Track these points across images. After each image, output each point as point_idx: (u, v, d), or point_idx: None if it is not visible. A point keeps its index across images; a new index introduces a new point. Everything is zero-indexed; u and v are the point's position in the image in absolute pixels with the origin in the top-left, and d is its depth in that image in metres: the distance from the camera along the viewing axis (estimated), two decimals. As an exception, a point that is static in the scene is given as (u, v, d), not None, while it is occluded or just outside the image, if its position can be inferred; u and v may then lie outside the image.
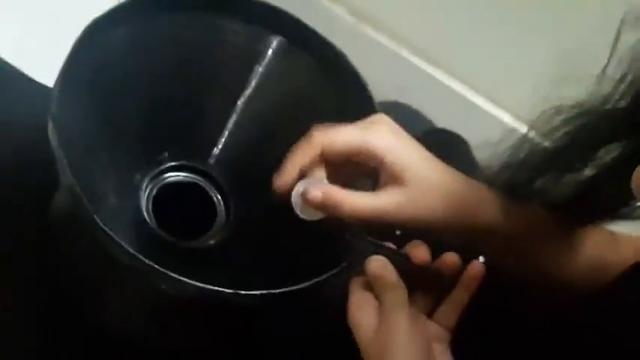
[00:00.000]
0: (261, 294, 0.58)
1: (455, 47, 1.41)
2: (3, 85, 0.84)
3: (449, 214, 0.62)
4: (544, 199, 0.63)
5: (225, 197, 0.76)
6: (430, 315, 0.63)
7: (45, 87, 0.82)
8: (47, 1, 1.06)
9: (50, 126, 0.59)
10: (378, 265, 0.59)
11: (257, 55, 0.74)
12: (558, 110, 0.59)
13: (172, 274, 0.56)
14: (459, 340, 0.62)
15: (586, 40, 0.58)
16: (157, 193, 0.74)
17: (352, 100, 0.72)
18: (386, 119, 0.64)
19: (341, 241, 0.63)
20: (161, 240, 0.72)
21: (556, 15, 1.22)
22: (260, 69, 0.74)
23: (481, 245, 0.66)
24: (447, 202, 0.62)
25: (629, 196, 0.56)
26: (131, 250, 0.56)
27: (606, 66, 0.56)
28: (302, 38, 0.73)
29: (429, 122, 1.15)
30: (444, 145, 1.03)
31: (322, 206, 0.61)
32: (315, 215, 0.62)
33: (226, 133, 0.76)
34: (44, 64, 0.74)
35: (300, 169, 0.63)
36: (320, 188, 0.61)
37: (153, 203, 0.73)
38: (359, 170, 0.65)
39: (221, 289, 0.57)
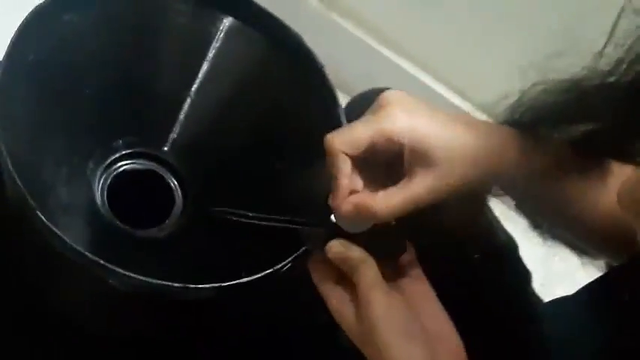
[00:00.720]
0: (212, 287, 0.57)
1: (423, 38, 1.41)
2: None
3: (478, 172, 0.61)
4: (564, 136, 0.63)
5: (183, 184, 0.75)
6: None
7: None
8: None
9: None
10: (338, 249, 0.59)
11: (209, 37, 0.72)
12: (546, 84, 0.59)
13: (117, 269, 0.54)
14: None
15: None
16: (111, 182, 0.72)
17: (307, 80, 0.70)
18: (395, 98, 0.61)
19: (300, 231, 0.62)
20: (116, 230, 0.70)
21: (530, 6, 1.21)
22: (212, 51, 0.72)
23: (505, 189, 0.66)
24: (474, 162, 0.60)
25: None
26: (75, 246, 0.54)
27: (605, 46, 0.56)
28: (254, 18, 0.71)
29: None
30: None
31: (359, 217, 0.59)
32: (364, 225, 0.61)
33: (181, 117, 0.74)
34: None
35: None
36: (349, 200, 0.59)
37: (108, 192, 0.72)
38: (388, 157, 0.62)
39: (169, 283, 0.55)
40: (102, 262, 0.54)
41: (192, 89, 0.73)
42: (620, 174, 0.65)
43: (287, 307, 0.76)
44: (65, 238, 0.54)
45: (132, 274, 0.54)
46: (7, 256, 0.70)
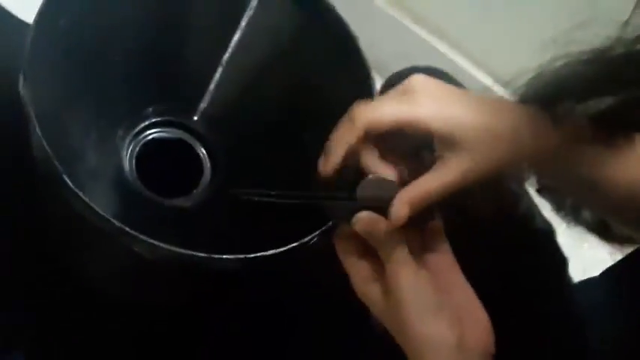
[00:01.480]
0: (237, 258, 0.56)
1: (459, 19, 1.38)
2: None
3: (508, 152, 0.60)
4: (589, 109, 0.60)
5: (211, 154, 0.74)
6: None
7: (26, 24, 0.79)
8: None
9: (21, 83, 0.57)
10: (366, 221, 0.58)
11: (242, 5, 0.71)
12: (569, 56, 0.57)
13: (142, 237, 0.54)
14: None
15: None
16: (140, 150, 0.72)
17: (341, 54, 0.69)
18: (420, 84, 0.60)
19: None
20: (143, 198, 0.70)
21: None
22: (246, 19, 0.71)
23: (531, 167, 0.65)
24: (505, 144, 0.59)
25: None
26: (101, 212, 0.54)
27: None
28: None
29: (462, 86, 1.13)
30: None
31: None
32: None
33: (211, 87, 0.73)
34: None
35: (347, 150, 0.60)
36: (401, 201, 0.58)
37: (136, 160, 0.71)
38: (406, 141, 0.62)
39: (195, 252, 0.55)
40: (127, 229, 0.54)
41: (224, 58, 0.72)
42: None
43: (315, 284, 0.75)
44: (91, 203, 0.53)
45: (157, 242, 0.54)
46: (33, 220, 0.70)
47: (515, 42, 1.29)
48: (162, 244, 0.54)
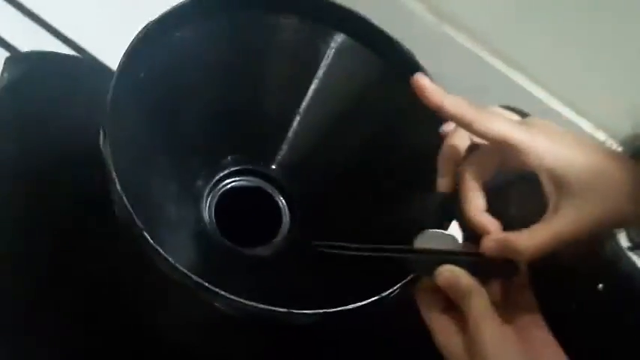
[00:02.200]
0: (317, 313, 0.55)
1: (536, 51, 1.36)
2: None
3: (620, 204, 0.57)
4: None
5: (291, 202, 0.74)
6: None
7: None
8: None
9: (102, 139, 0.57)
10: (447, 275, 0.57)
11: (319, 54, 0.70)
12: None
13: (224, 293, 0.53)
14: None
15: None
16: (219, 199, 0.72)
17: (419, 99, 0.67)
18: (538, 119, 0.60)
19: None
20: (224, 248, 0.70)
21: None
22: (323, 68, 0.71)
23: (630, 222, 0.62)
24: (617, 194, 0.57)
25: None
26: (182, 269, 0.53)
27: None
28: (366, 35, 0.69)
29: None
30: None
31: (500, 254, 0.58)
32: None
33: (289, 135, 0.73)
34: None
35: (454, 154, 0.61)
36: (492, 238, 0.58)
37: (215, 210, 0.71)
38: (497, 163, 0.61)
39: (274, 308, 0.54)
40: (207, 284, 0.53)
41: (302, 107, 0.72)
42: None
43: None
44: (173, 261, 0.53)
45: (237, 298, 0.53)
46: (110, 275, 0.70)
47: (598, 75, 1.26)
48: (241, 300, 0.54)
